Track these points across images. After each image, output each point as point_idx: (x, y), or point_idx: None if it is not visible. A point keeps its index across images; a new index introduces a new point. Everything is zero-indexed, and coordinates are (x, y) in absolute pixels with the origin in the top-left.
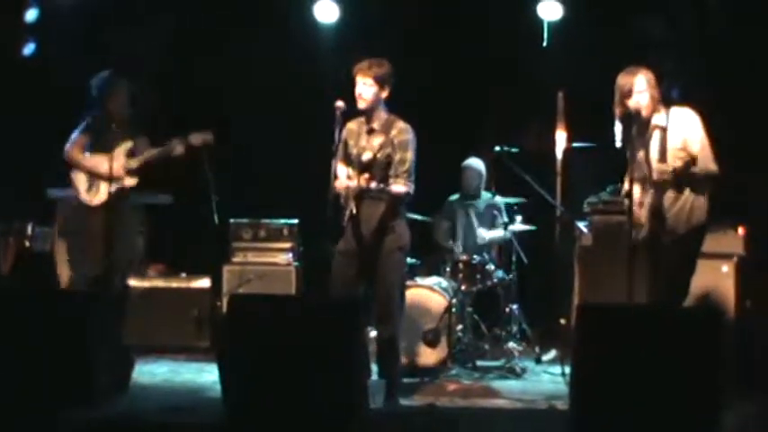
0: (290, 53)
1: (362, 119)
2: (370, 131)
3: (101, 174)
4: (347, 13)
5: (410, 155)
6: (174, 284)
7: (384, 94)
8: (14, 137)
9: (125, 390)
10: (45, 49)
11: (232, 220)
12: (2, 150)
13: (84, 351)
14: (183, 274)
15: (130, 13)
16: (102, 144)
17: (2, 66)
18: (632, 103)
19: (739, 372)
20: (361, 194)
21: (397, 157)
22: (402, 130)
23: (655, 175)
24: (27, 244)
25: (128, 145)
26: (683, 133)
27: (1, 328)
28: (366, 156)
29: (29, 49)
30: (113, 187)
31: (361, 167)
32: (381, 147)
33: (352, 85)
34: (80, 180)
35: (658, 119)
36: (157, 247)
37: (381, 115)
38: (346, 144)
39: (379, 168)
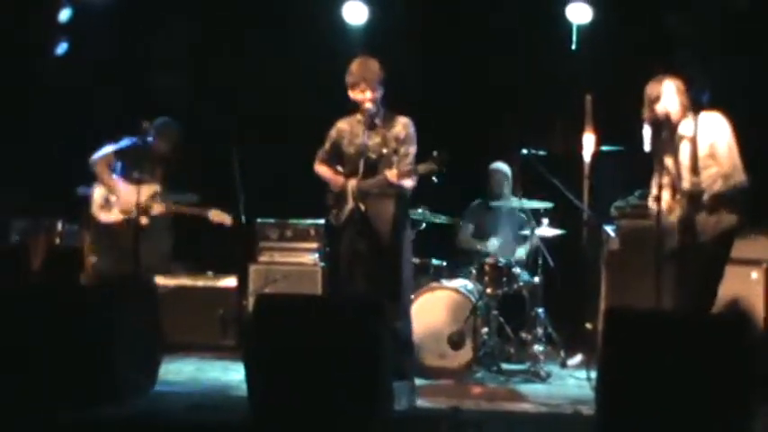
0: (319, 54)
1: (356, 117)
2: (372, 128)
3: (119, 197)
4: (376, 15)
5: (414, 149)
6: (201, 283)
7: (381, 92)
8: (45, 135)
9: (151, 387)
10: (77, 48)
11: (259, 220)
12: (32, 148)
13: (111, 347)
14: (210, 273)
15: (159, 15)
16: (132, 172)
17: (35, 65)
18: (660, 108)
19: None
20: (366, 192)
21: (402, 150)
22: (405, 125)
23: (686, 185)
24: (57, 241)
25: (155, 188)
26: (710, 139)
27: (31, 324)
28: (373, 152)
29: (62, 48)
30: (125, 217)
31: (368, 165)
32: (386, 142)
33: (350, 89)
34: (97, 194)
35: (686, 127)
36: (184, 246)
37: (381, 111)
38: (336, 144)
39: (388, 163)
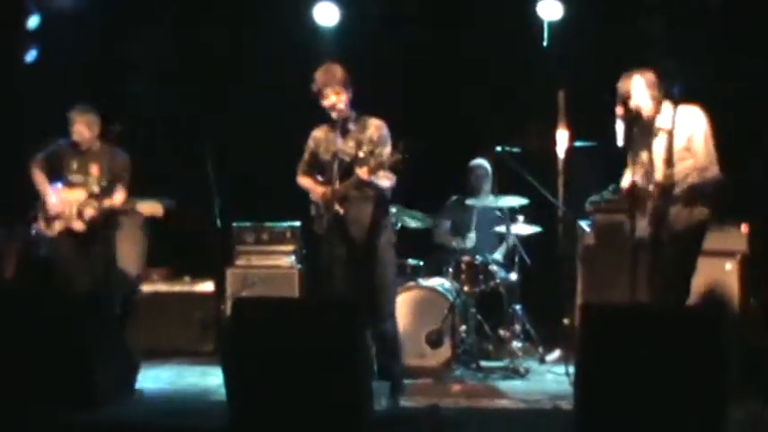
0: (291, 56)
1: (329, 125)
2: (345, 132)
3: (50, 207)
4: (347, 16)
5: (388, 149)
6: (178, 288)
7: (350, 96)
8: (16, 141)
9: (129, 393)
10: (45, 55)
11: (235, 224)
12: (3, 155)
13: (85, 354)
14: (187, 278)
15: (130, 18)
16: (66, 175)
17: (3, 72)
18: (633, 104)
19: (744, 370)
20: (344, 197)
21: (377, 151)
22: (378, 127)
23: (659, 177)
24: (29, 248)
25: (87, 190)
26: (688, 132)
27: (3, 331)
28: (347, 155)
29: (31, 55)
30: (62, 226)
31: (343, 168)
32: (360, 145)
33: (316, 97)
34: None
35: (663, 120)
36: (160, 252)
37: (352, 115)
38: (314, 154)
39: (362, 165)
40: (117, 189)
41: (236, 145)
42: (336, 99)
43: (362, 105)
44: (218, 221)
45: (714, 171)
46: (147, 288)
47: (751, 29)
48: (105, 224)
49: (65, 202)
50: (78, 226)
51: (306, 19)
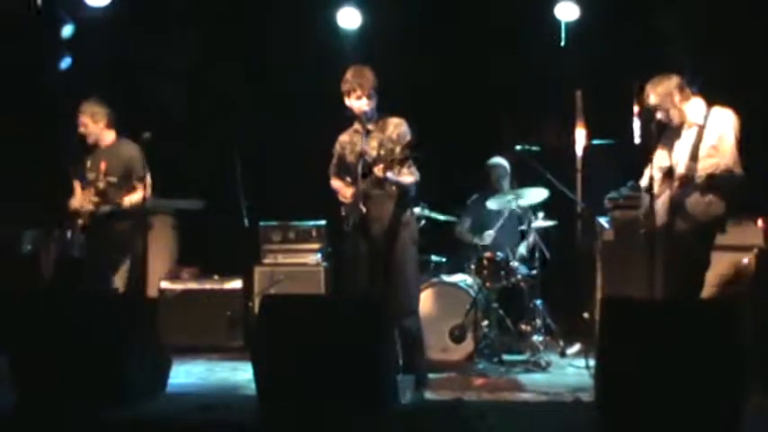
0: (315, 58)
1: (354, 127)
2: (367, 133)
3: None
4: (369, 19)
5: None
6: (208, 286)
7: (376, 99)
8: (54, 151)
9: (162, 388)
10: (80, 62)
11: (262, 223)
12: (43, 164)
13: (120, 352)
14: (216, 276)
15: (158, 26)
16: (84, 174)
17: (43, 79)
18: (659, 115)
19: (761, 361)
20: (368, 195)
21: (397, 149)
22: (397, 125)
23: (682, 170)
24: (66, 250)
25: (109, 180)
26: (718, 131)
27: (42, 330)
28: (369, 156)
29: (65, 63)
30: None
31: (367, 167)
32: (382, 144)
33: (345, 96)
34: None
35: (695, 115)
36: (191, 251)
37: (375, 116)
38: (341, 157)
39: (385, 163)
40: (131, 185)
41: (263, 147)
42: (364, 101)
43: (384, 105)
44: (246, 221)
45: (737, 171)
46: (178, 286)
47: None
48: (116, 221)
49: (79, 200)
50: (81, 223)
51: (329, 22)
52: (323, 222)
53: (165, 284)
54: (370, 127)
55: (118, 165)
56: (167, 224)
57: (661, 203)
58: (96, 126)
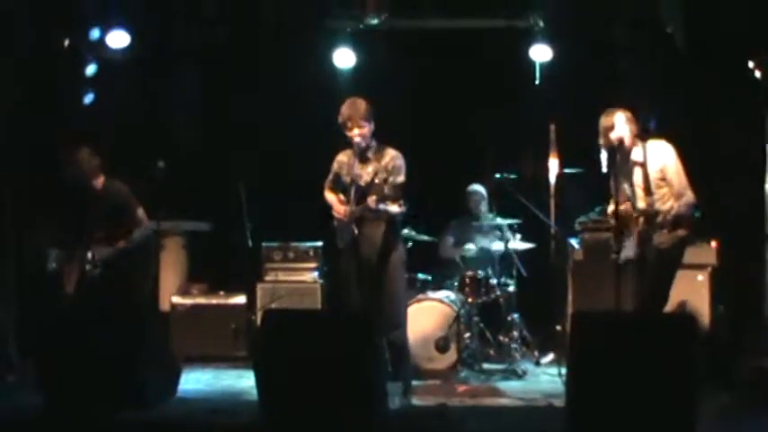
0: (313, 95)
1: (352, 150)
2: (364, 160)
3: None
4: (362, 60)
5: (401, 178)
6: (215, 301)
7: (372, 128)
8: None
9: (174, 394)
10: (102, 97)
11: (264, 244)
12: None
13: (136, 360)
14: (222, 292)
15: (168, 72)
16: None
17: (67, 112)
18: (614, 136)
19: (713, 368)
20: (361, 217)
21: (391, 179)
22: (394, 157)
23: (642, 205)
24: (87, 268)
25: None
26: (659, 163)
27: (67, 341)
28: (363, 181)
29: (89, 98)
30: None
31: (360, 192)
32: (377, 172)
33: (343, 129)
34: None
35: (636, 154)
36: (199, 269)
37: (373, 144)
38: (337, 175)
39: (377, 191)
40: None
41: (266, 175)
42: (359, 131)
43: (376, 136)
44: (250, 242)
45: (689, 195)
46: (187, 301)
47: (709, 68)
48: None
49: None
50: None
51: (327, 62)
52: (320, 243)
53: (176, 299)
54: (368, 155)
55: (110, 207)
56: (178, 244)
57: (632, 235)
58: (82, 171)
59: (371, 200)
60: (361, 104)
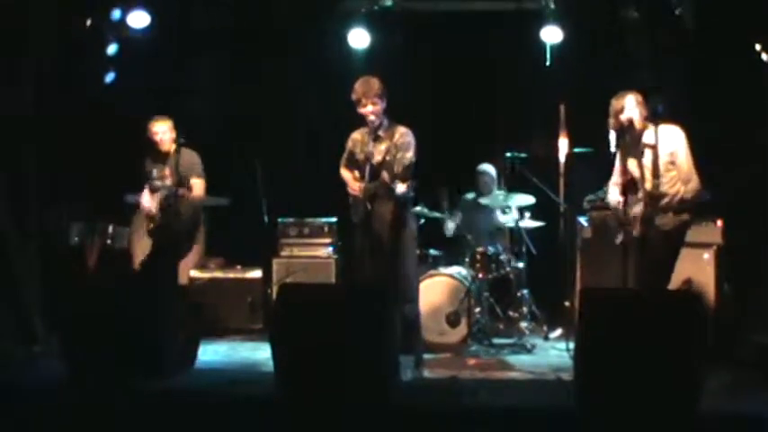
0: (329, 75)
1: (366, 128)
2: (377, 138)
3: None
4: (377, 40)
5: (410, 154)
6: (232, 275)
7: (384, 106)
8: (97, 152)
9: (192, 365)
10: (124, 77)
11: (280, 220)
12: (87, 163)
13: (154, 332)
14: (239, 267)
15: (190, 48)
16: (154, 180)
17: (89, 92)
18: (624, 117)
19: (717, 345)
20: (374, 194)
21: (399, 155)
22: (403, 134)
23: (649, 186)
24: (108, 242)
25: (166, 184)
26: (670, 148)
27: (89, 315)
28: (376, 159)
29: (110, 77)
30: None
31: (373, 170)
32: (388, 150)
33: (356, 105)
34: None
35: (648, 136)
36: (217, 244)
37: (385, 123)
38: (352, 153)
39: (389, 168)
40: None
41: (282, 152)
42: (372, 108)
43: (389, 115)
44: (266, 218)
45: (695, 181)
46: (205, 275)
47: (717, 50)
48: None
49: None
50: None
51: (342, 43)
52: (334, 219)
53: (194, 273)
54: (380, 133)
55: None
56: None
57: (635, 215)
58: (170, 137)
59: (385, 176)
60: (375, 82)
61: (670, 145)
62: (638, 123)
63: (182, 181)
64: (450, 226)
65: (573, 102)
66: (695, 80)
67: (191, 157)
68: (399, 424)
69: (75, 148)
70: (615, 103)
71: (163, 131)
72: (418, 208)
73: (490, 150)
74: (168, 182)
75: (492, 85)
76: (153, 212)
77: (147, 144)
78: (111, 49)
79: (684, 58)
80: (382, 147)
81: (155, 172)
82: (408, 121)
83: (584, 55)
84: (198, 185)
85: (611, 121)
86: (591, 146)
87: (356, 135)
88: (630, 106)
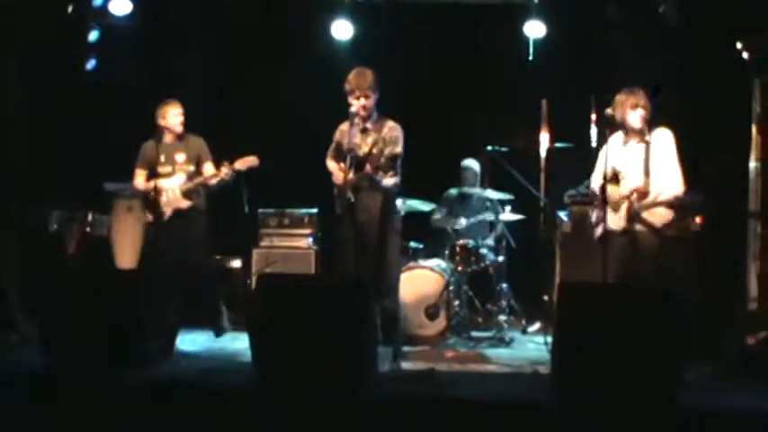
0: (311, 67)
1: (355, 120)
2: (364, 130)
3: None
4: (360, 31)
5: (399, 149)
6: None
7: (377, 98)
8: (77, 139)
9: (170, 354)
10: (105, 63)
11: (260, 210)
12: (66, 150)
13: (136, 321)
14: (218, 257)
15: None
16: (161, 166)
17: (70, 78)
18: (635, 115)
19: (698, 340)
20: (357, 186)
21: (388, 150)
22: (392, 128)
23: (641, 185)
24: (88, 230)
25: (187, 169)
26: (661, 149)
27: (69, 302)
28: (362, 151)
29: (91, 64)
30: (171, 210)
31: (358, 161)
32: (375, 143)
33: (348, 95)
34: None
35: (641, 135)
36: None
37: (374, 116)
38: (339, 144)
39: (374, 161)
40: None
41: (263, 144)
42: (365, 101)
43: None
44: (246, 208)
45: (680, 183)
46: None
47: (699, 47)
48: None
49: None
50: (185, 204)
51: (325, 34)
52: (314, 210)
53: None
54: (368, 125)
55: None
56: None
57: (621, 210)
58: (182, 120)
59: (369, 168)
60: (370, 75)
61: (662, 147)
62: (639, 123)
63: (197, 165)
64: (461, 222)
65: (555, 97)
66: (678, 75)
67: (200, 141)
68: (377, 415)
69: (54, 136)
70: (630, 98)
71: (177, 114)
72: (400, 201)
73: (472, 144)
74: (184, 166)
75: (476, 79)
76: (176, 197)
77: (157, 129)
78: (93, 35)
79: (667, 55)
80: (369, 139)
81: (162, 157)
82: (390, 113)
83: (567, 50)
84: (210, 168)
85: (619, 112)
86: (572, 141)
87: (344, 126)
88: (645, 103)
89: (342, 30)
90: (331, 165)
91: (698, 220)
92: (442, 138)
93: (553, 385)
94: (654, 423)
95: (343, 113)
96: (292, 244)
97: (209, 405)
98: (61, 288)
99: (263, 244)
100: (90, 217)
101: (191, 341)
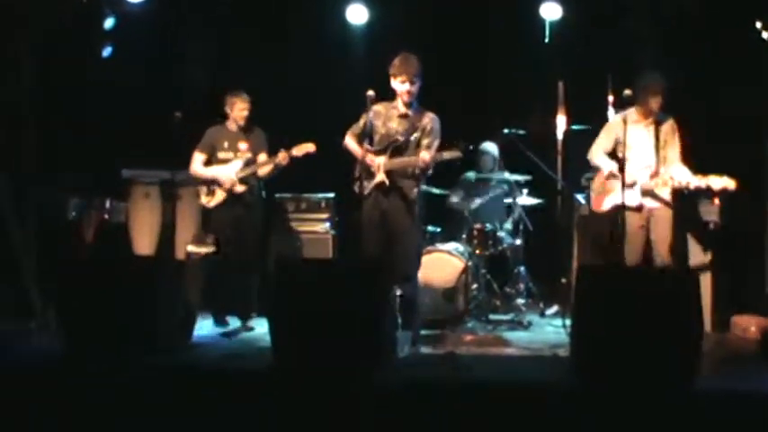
0: (326, 51)
1: (391, 103)
2: (404, 116)
3: (218, 183)
4: (375, 15)
5: (437, 142)
6: None
7: (419, 86)
8: (95, 126)
9: (188, 340)
10: (121, 50)
11: (277, 195)
12: (85, 137)
13: (153, 307)
14: None
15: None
16: (222, 152)
17: (87, 66)
18: (654, 98)
19: (714, 320)
20: (389, 171)
21: (426, 142)
22: (432, 119)
23: (653, 166)
24: (105, 216)
25: (246, 156)
26: (668, 136)
27: (86, 289)
28: (400, 137)
29: (107, 51)
30: (227, 194)
31: (395, 146)
32: (413, 131)
33: (392, 78)
34: (201, 188)
35: (658, 117)
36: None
37: (415, 103)
38: (367, 125)
39: (411, 149)
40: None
41: (280, 128)
42: (410, 86)
43: (389, 93)
44: (263, 193)
45: (687, 173)
46: (201, 249)
47: (717, 29)
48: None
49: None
50: (240, 189)
51: (339, 18)
52: (331, 195)
53: (191, 248)
54: (409, 112)
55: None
56: (193, 194)
57: (637, 190)
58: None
59: (423, 157)
60: (416, 61)
61: (670, 135)
62: (656, 107)
63: (255, 155)
64: (477, 201)
65: (572, 79)
66: (695, 58)
67: (262, 134)
68: (395, 399)
69: (71, 122)
70: (650, 81)
71: (243, 109)
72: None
73: (488, 127)
74: (245, 154)
75: (491, 62)
76: (234, 184)
77: (222, 116)
78: (109, 23)
79: (685, 36)
80: (408, 126)
81: (226, 143)
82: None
83: (583, 32)
84: (264, 158)
85: (640, 94)
86: (589, 123)
87: (379, 107)
88: (664, 87)
89: (357, 14)
90: (351, 143)
91: (716, 201)
92: (458, 120)
93: (572, 368)
94: (672, 405)
95: (358, 97)
96: (309, 228)
97: (227, 391)
98: (79, 275)
99: (280, 229)
100: (108, 204)
101: (208, 326)
